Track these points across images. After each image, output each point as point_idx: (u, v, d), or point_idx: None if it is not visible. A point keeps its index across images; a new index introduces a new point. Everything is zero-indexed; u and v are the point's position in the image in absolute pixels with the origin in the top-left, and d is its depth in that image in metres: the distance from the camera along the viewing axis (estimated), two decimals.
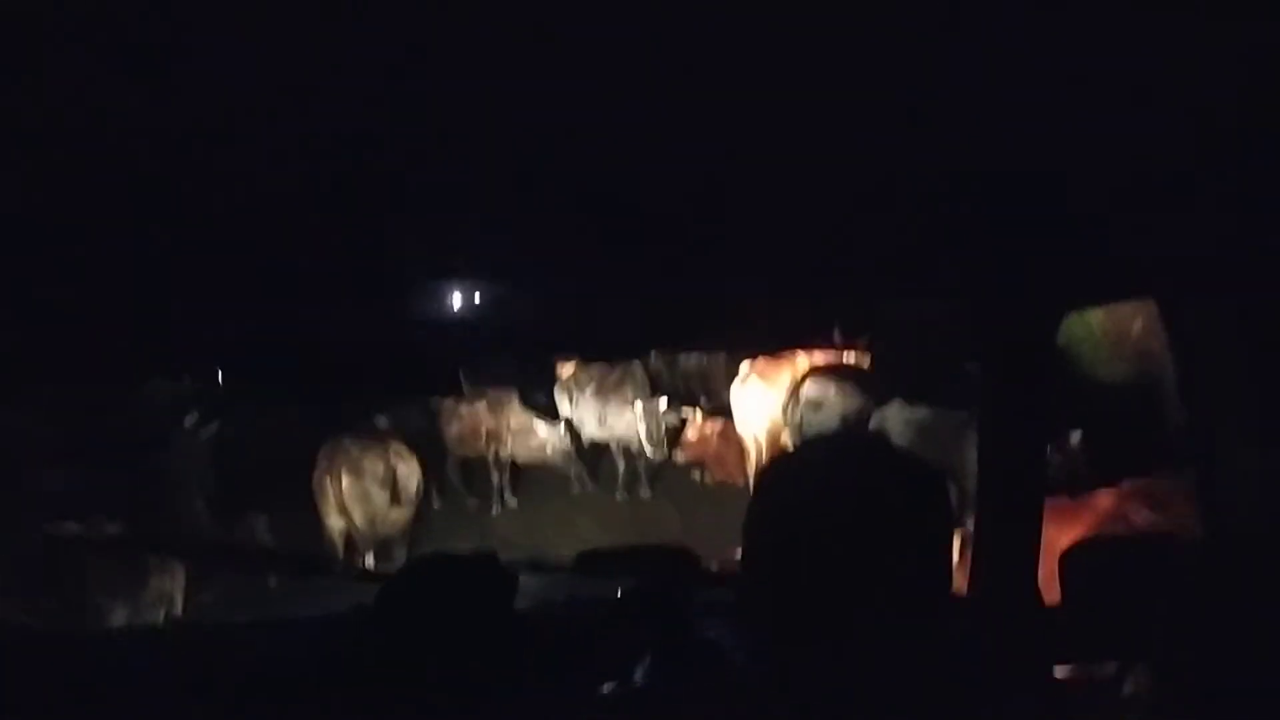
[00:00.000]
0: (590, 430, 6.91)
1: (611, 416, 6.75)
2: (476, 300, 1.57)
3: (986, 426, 1.57)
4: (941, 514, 0.90)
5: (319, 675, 1.42)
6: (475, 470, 6.87)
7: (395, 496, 5.19)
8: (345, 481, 5.05)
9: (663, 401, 6.61)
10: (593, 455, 7.09)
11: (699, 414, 6.91)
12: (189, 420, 5.25)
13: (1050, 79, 0.76)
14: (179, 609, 3.74)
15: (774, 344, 5.50)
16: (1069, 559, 1.34)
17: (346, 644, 1.52)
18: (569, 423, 6.88)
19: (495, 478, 6.68)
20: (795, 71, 0.76)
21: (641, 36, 0.70)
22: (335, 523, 5.08)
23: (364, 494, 5.08)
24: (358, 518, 5.06)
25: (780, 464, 0.99)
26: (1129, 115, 0.81)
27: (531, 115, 0.82)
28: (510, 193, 1.00)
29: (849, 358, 6.33)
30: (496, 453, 6.64)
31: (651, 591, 1.57)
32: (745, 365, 6.49)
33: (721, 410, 6.83)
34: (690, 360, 7.75)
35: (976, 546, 1.61)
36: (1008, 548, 1.55)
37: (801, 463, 0.97)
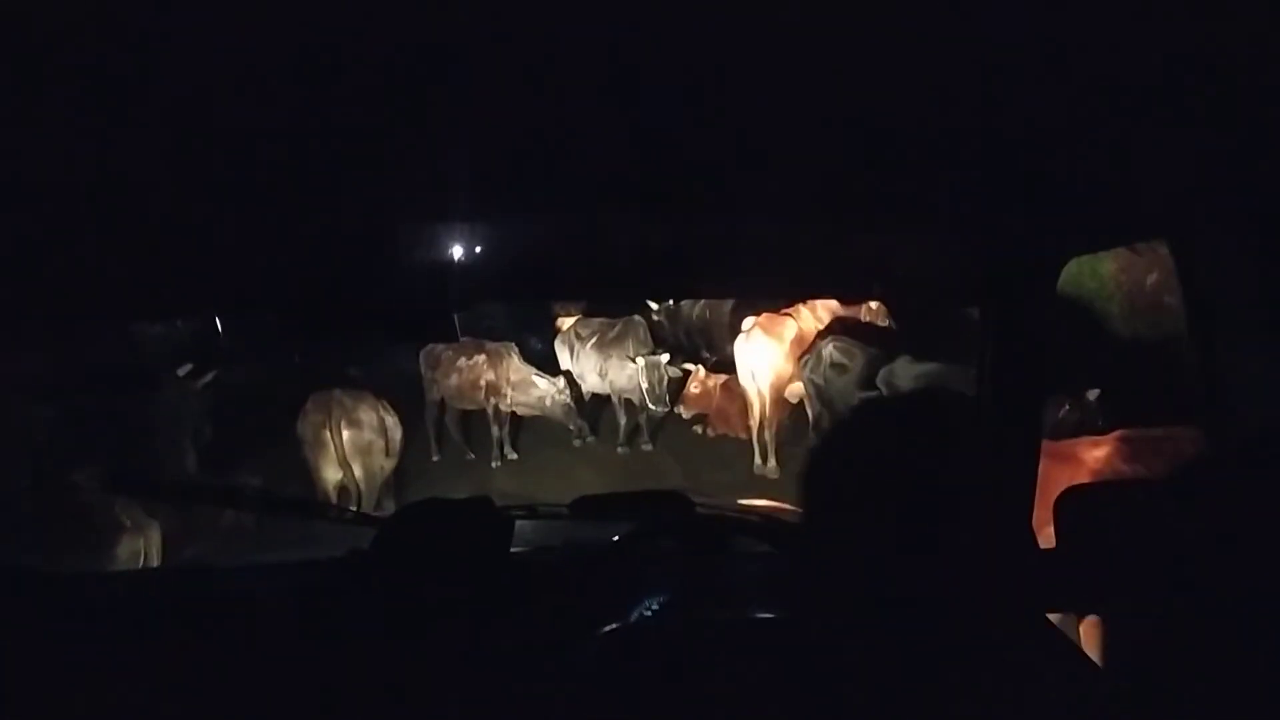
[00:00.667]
0: (591, 383, 6.92)
1: (612, 370, 6.75)
2: (476, 248, 1.54)
3: (984, 369, 1.55)
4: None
5: (314, 616, 1.42)
6: (474, 423, 6.87)
7: (387, 448, 5.24)
8: (347, 434, 5.04)
9: (664, 357, 6.60)
10: (593, 408, 7.11)
11: (701, 368, 6.92)
12: (182, 370, 5.22)
13: (1054, 17, 0.71)
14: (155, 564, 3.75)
15: (798, 295, 5.45)
16: (1064, 503, 1.31)
17: (342, 585, 1.52)
18: (569, 376, 6.87)
19: (495, 431, 6.68)
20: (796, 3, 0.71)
21: None
22: (332, 475, 5.08)
23: (366, 445, 5.10)
24: (358, 470, 5.08)
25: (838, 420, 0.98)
26: (1129, 51, 0.76)
27: (521, 47, 0.77)
28: (509, 133, 0.95)
29: (853, 312, 6.30)
30: (496, 405, 6.63)
31: (647, 535, 1.55)
32: (749, 319, 6.48)
33: (725, 364, 6.84)
34: (693, 314, 7.74)
35: (972, 490, 1.59)
36: (1003, 492, 1.54)
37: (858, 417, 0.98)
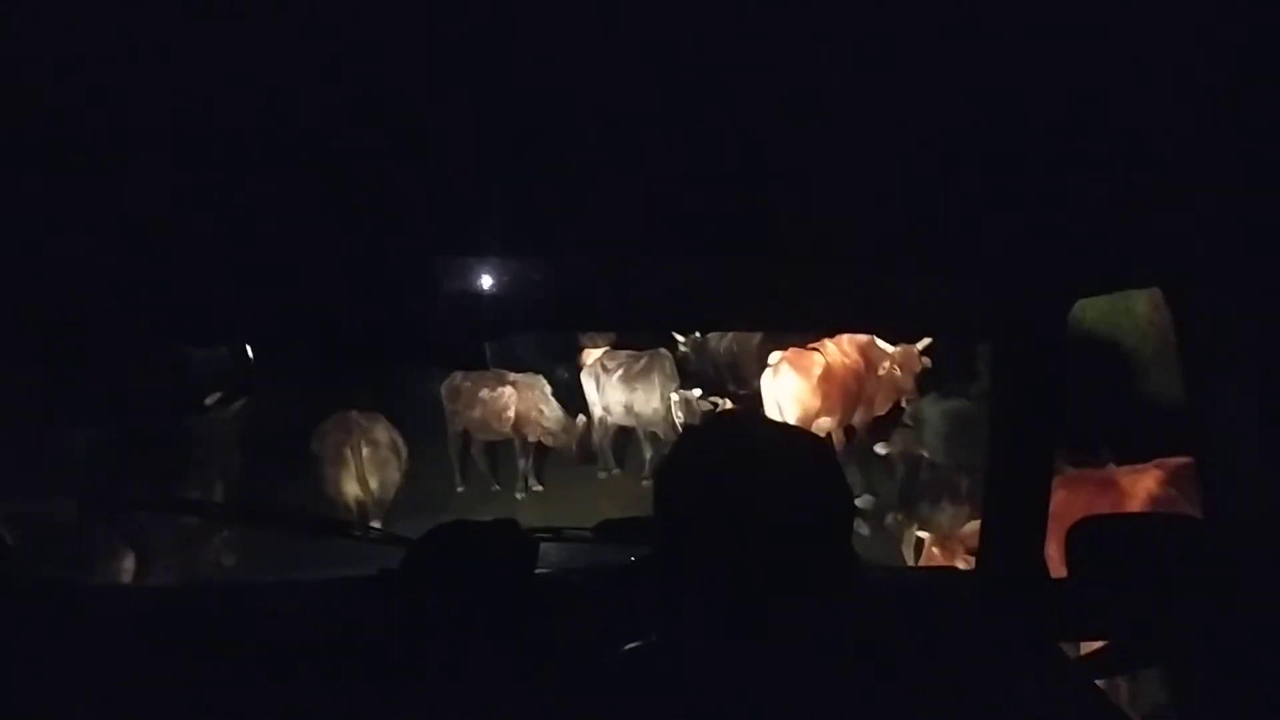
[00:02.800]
0: (616, 416, 7.00)
1: (638, 403, 6.83)
2: (505, 280, 1.62)
3: (996, 406, 1.64)
4: (837, 479, 0.96)
5: (345, 633, 1.50)
6: (500, 454, 6.99)
7: (400, 464, 5.68)
8: (366, 451, 5.43)
9: (696, 391, 6.64)
10: (618, 441, 7.18)
11: (729, 402, 6.96)
12: (211, 399, 5.39)
13: (1051, 62, 0.78)
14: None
15: (810, 331, 5.53)
16: (1076, 534, 1.39)
17: (371, 605, 1.60)
18: (595, 408, 6.97)
19: (521, 463, 6.79)
20: (809, 51, 0.78)
21: None
22: (352, 490, 5.45)
23: (382, 462, 5.50)
24: (374, 485, 5.45)
25: (682, 444, 1.05)
26: (1130, 99, 0.83)
27: (550, 82, 0.84)
28: (537, 165, 1.02)
29: (880, 349, 6.32)
30: (524, 437, 6.75)
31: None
32: (775, 354, 6.54)
33: (752, 398, 6.87)
34: (720, 347, 7.81)
35: (984, 523, 1.68)
36: (1015, 525, 1.61)
37: (702, 441, 1.03)
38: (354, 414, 5.61)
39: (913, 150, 0.90)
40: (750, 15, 0.68)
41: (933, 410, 5.41)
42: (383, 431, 5.63)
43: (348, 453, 5.40)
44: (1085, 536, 1.38)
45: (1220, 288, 1.10)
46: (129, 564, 3.90)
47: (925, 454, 5.37)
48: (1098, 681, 1.34)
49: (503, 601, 1.53)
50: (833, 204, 1.09)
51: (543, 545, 1.72)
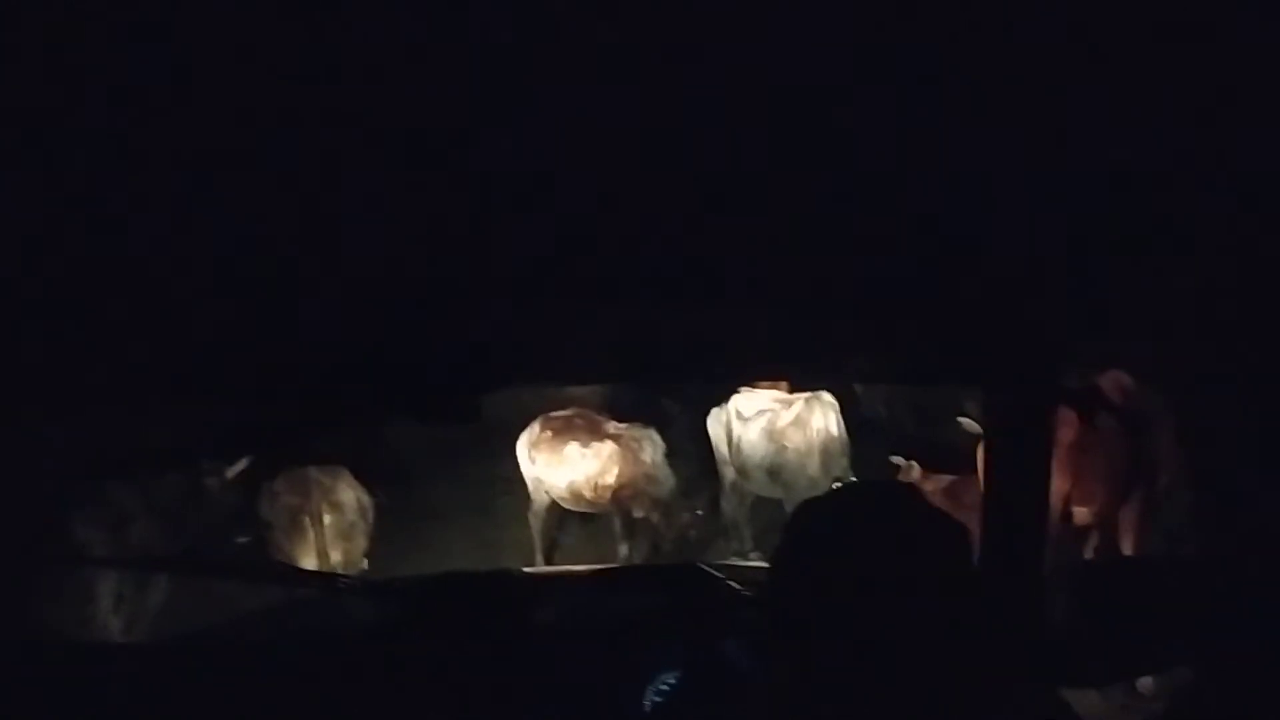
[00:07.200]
0: (755, 483, 6.78)
1: (788, 467, 6.56)
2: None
3: (990, 490, 2.09)
4: (968, 563, 1.26)
5: (334, 684, 1.86)
6: (590, 527, 7.14)
7: (366, 531, 6.05)
8: (328, 519, 5.81)
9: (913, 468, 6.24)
10: (760, 515, 7.01)
11: (915, 466, 6.76)
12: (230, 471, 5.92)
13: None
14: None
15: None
16: (1075, 580, 1.91)
17: (364, 656, 1.96)
18: (726, 470, 6.85)
19: (622, 547, 6.74)
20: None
21: None
22: (309, 564, 5.69)
23: (347, 530, 5.91)
24: (336, 557, 5.77)
25: (812, 505, 1.34)
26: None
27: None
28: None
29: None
30: (627, 511, 6.65)
31: (671, 609, 1.92)
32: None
33: (951, 459, 6.73)
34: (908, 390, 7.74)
35: (984, 574, 1.98)
36: (1013, 575, 2.03)
37: (834, 505, 1.34)
38: (312, 471, 5.94)
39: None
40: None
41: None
42: (345, 491, 5.99)
43: (305, 520, 5.76)
44: (1088, 582, 1.78)
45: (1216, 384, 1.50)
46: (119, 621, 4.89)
47: None
48: None
49: (499, 651, 1.85)
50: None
51: (543, 594, 2.03)
